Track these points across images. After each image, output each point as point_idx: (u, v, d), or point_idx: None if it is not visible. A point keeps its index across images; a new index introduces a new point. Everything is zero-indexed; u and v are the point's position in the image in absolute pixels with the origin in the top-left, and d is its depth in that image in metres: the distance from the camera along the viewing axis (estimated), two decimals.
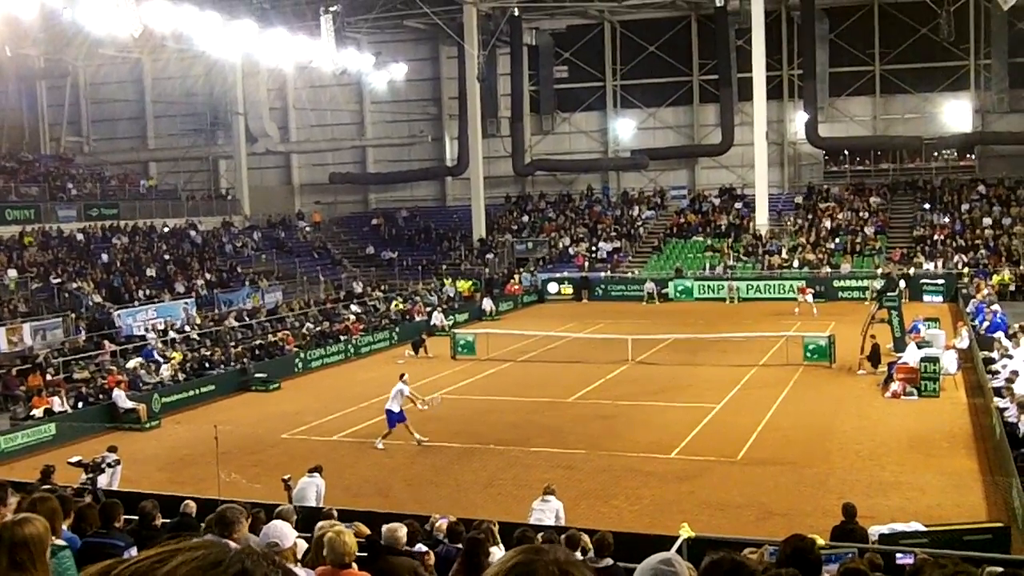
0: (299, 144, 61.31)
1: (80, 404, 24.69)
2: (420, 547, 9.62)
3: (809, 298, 39.16)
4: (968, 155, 53.06)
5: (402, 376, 21.62)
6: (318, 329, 35.11)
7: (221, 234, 49.28)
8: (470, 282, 46.80)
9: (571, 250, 51.49)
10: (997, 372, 22.44)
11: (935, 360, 23.59)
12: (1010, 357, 23.11)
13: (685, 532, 11.52)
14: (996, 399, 19.57)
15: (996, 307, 30.63)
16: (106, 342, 30.35)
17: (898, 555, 8.18)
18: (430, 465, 19.44)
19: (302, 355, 31.91)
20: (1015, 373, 20.44)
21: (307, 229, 56.31)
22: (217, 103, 57.80)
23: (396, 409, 20.77)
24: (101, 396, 25.40)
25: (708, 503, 15.97)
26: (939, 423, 20.88)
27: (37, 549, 3.65)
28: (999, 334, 26.20)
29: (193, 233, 47.46)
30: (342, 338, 34.65)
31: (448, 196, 60.52)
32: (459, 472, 18.86)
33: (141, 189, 51.72)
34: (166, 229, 46.63)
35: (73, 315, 32.69)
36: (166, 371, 28.00)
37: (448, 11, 50.82)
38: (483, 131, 54.19)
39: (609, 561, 9.14)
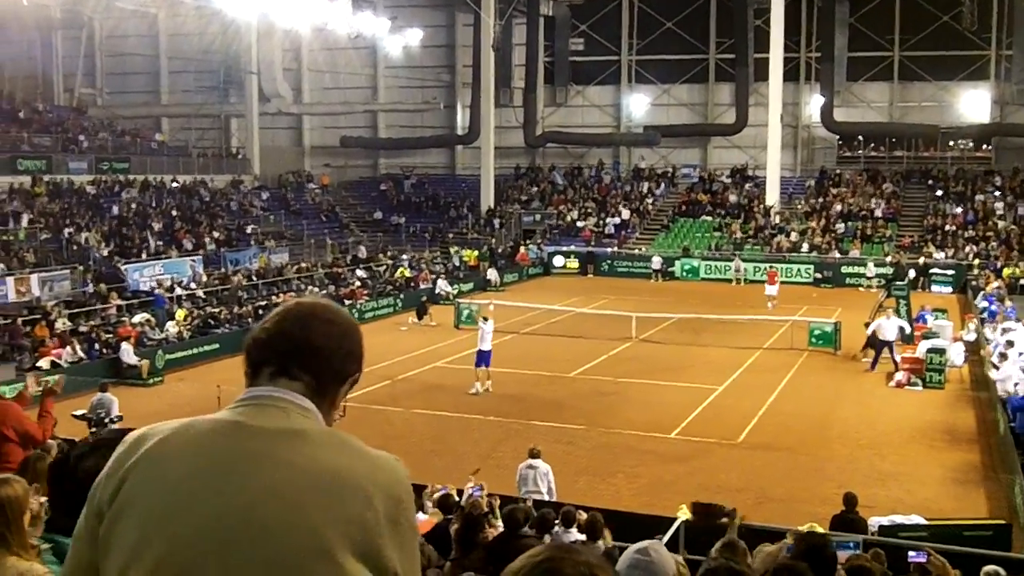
0: (311, 106, 60.97)
1: (89, 355, 24.67)
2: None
3: (774, 289, 35.63)
4: (984, 146, 52.59)
5: (485, 319, 23.24)
6: (324, 293, 34.98)
7: (231, 193, 49.06)
8: (476, 252, 46.63)
9: (579, 224, 51.24)
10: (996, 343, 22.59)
11: (941, 351, 23.40)
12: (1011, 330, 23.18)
13: (683, 514, 11.42)
14: (992, 372, 19.67)
15: (1009, 303, 30.37)
16: (114, 294, 30.29)
17: (911, 553, 8.03)
18: (430, 435, 19.38)
19: None
20: (1011, 343, 20.64)
21: (316, 191, 56.09)
22: (231, 62, 57.37)
23: (489, 347, 22.37)
24: (105, 350, 25.39)
25: (706, 485, 15.86)
26: (942, 416, 20.73)
27: (14, 512, 3.51)
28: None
29: (203, 191, 47.27)
30: (347, 302, 34.54)
31: (458, 165, 60.24)
32: (458, 442, 18.79)
33: (152, 144, 51.51)
34: (175, 185, 46.45)
35: (81, 267, 32.63)
36: (171, 328, 27.94)
37: None
38: (496, 101, 53.80)
39: (600, 545, 9.02)
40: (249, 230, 43.88)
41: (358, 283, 37.34)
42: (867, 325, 26.01)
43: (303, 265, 39.78)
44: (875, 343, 25.06)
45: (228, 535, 1.80)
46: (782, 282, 38.41)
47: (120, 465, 1.93)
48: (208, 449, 1.89)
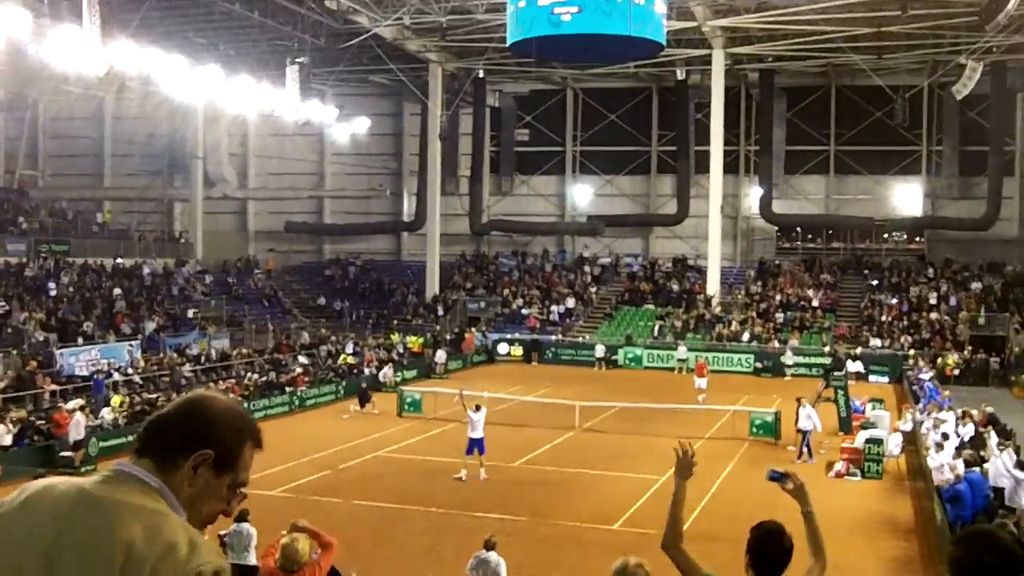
0: (257, 191, 61.12)
1: (18, 443, 24.07)
2: None
3: (703, 382, 35.04)
4: (917, 238, 54.33)
5: (477, 407, 23.52)
6: (264, 379, 34.61)
7: (174, 275, 48.66)
8: (420, 338, 46.60)
9: (524, 311, 51.58)
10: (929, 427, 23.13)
11: (879, 442, 23.81)
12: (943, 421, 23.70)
13: None
14: (929, 460, 20.10)
15: (947, 393, 31.08)
16: (47, 379, 29.66)
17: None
18: (370, 526, 19.10)
19: (245, 405, 31.19)
20: (945, 436, 21.12)
21: (259, 276, 55.86)
22: (176, 146, 57.47)
23: (480, 435, 22.71)
24: (36, 437, 24.77)
25: None
26: (881, 506, 21.01)
27: None
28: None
29: (145, 272, 46.83)
30: (287, 389, 34.21)
31: (403, 251, 60.53)
32: (400, 535, 18.56)
33: (94, 227, 51.07)
34: (118, 264, 45.99)
35: (14, 351, 31.98)
36: (107, 414, 27.36)
37: (414, 69, 51.35)
38: (442, 189, 54.46)
39: None
40: (190, 314, 43.45)
41: (299, 369, 37.03)
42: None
43: (244, 351, 39.40)
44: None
45: None
46: (722, 371, 38.86)
47: None
48: (47, 513, 2.17)
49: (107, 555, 2.08)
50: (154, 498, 2.20)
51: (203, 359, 37.11)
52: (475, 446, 22.98)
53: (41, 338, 34.81)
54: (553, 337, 48.64)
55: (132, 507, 2.15)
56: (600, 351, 45.54)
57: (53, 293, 39.83)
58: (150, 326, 39.77)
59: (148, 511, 2.16)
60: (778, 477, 4.53)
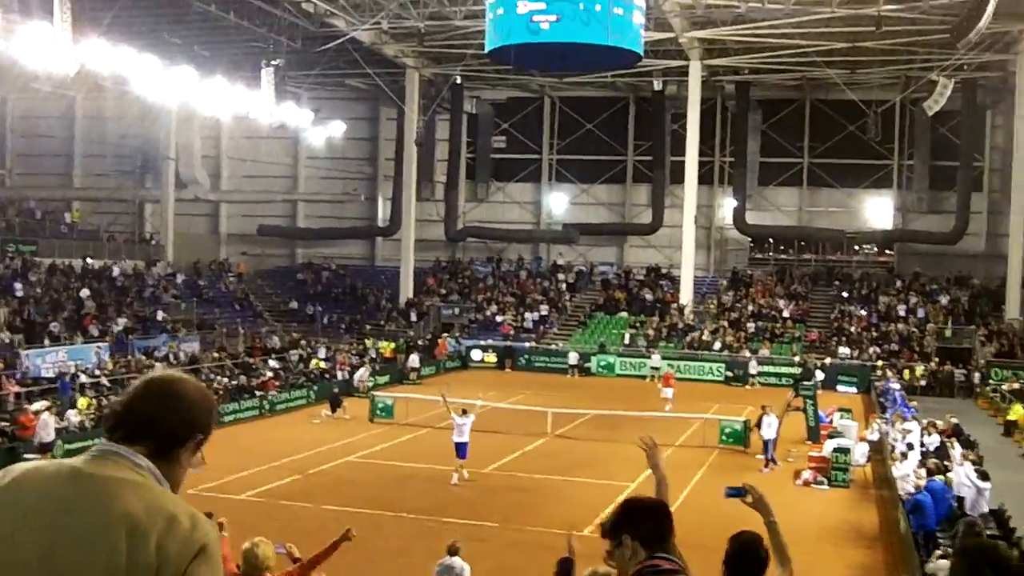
0: (229, 193, 60.83)
1: None
2: None
3: (670, 392, 34.89)
4: (887, 251, 54.97)
5: (464, 411, 23.86)
6: (234, 383, 34.48)
7: (144, 277, 48.33)
8: (393, 343, 46.57)
9: (498, 318, 51.66)
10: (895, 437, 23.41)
11: (846, 451, 24.10)
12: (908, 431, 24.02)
13: None
14: (894, 469, 20.33)
15: (915, 403, 31.48)
16: (13, 381, 29.39)
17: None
18: (340, 531, 19.06)
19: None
20: (910, 446, 21.39)
21: (231, 279, 55.59)
22: (148, 147, 57.07)
23: (464, 440, 23.11)
24: (0, 439, 24.56)
25: None
26: (847, 514, 21.28)
27: None
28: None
29: (115, 273, 46.49)
30: (257, 394, 34.10)
31: (377, 256, 60.47)
32: (370, 540, 18.54)
33: (62, 227, 50.64)
34: (85, 269, 45.60)
35: None
36: (73, 417, 27.16)
37: (391, 73, 51.38)
38: (417, 194, 54.49)
39: None
40: (160, 317, 43.20)
41: (270, 374, 36.90)
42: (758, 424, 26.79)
43: (215, 355, 39.21)
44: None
45: (38, 566, 2.14)
46: (693, 380, 39.03)
47: None
48: (40, 492, 2.26)
49: (111, 529, 2.16)
50: (143, 475, 2.32)
51: (172, 362, 36.86)
52: (462, 449, 23.30)
53: (7, 339, 34.48)
54: (527, 344, 48.77)
55: (127, 483, 2.26)
56: (573, 358, 45.73)
57: (20, 294, 39.47)
58: (119, 328, 39.48)
59: (142, 486, 2.28)
60: (735, 493, 4.63)
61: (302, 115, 47.28)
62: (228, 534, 8.79)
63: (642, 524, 3.84)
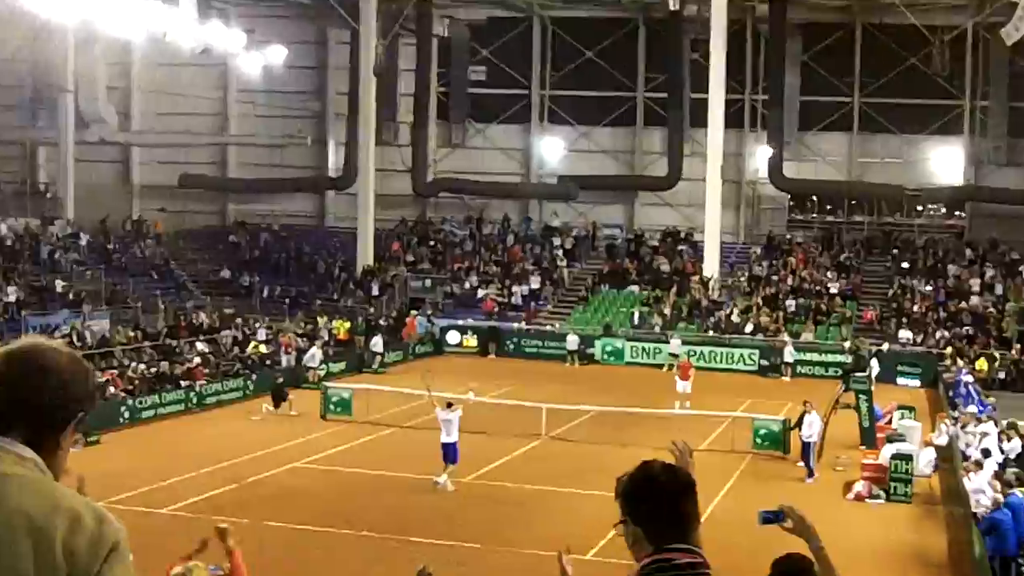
0: (143, 135, 60.48)
1: None
2: None
3: (687, 386, 35.59)
4: (957, 212, 55.12)
5: (449, 405, 24.40)
6: (154, 371, 34.43)
7: (39, 238, 48.05)
8: (349, 323, 46.51)
9: (479, 293, 51.65)
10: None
11: (908, 458, 24.22)
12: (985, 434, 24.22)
13: None
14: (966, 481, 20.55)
15: (992, 399, 31.69)
16: None
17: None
18: (285, 554, 19.14)
19: (130, 402, 31.22)
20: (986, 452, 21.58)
21: (148, 243, 55.31)
22: (40, 75, 56.52)
23: (452, 440, 23.56)
24: None
25: None
26: (910, 535, 21.48)
27: None
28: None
29: (2, 232, 46.20)
30: (183, 383, 34.06)
31: (328, 214, 60.37)
32: (319, 564, 18.64)
33: None
34: None
35: None
36: None
37: None
38: (377, 138, 54.37)
39: None
40: (60, 287, 43.03)
41: (198, 359, 36.84)
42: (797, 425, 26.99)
43: (130, 334, 39.11)
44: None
45: None
46: (720, 370, 39.12)
47: None
48: None
49: (12, 534, 2.25)
50: (28, 467, 2.39)
51: (76, 343, 36.74)
52: (451, 452, 23.54)
53: None
54: (515, 325, 48.85)
55: (14, 479, 2.34)
56: (573, 343, 45.81)
57: None
58: (8, 299, 39.30)
59: (33, 481, 2.36)
60: (772, 517, 4.62)
61: (232, 38, 46.90)
62: (237, 547, 8.86)
63: (640, 507, 3.35)
